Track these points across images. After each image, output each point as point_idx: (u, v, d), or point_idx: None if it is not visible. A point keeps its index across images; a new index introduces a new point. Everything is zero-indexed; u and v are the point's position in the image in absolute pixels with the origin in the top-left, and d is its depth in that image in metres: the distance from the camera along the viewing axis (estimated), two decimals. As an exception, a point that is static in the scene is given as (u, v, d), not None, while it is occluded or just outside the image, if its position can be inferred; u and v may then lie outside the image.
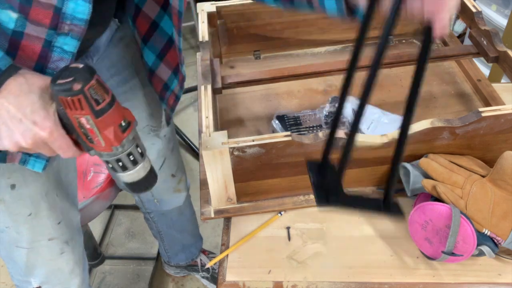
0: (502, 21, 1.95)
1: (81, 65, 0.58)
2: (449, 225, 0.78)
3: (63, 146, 0.61)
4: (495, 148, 0.88)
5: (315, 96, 1.18)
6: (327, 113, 1.08)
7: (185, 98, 2.49)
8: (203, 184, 0.98)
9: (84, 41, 0.65)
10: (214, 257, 1.31)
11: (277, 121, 1.08)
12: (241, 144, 0.83)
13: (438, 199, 0.83)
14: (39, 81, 0.60)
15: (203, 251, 1.59)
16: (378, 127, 1.04)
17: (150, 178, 0.66)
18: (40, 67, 0.65)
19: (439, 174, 0.84)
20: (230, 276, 0.85)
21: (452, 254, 0.78)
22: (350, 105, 1.09)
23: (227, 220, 0.94)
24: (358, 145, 0.85)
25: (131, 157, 0.62)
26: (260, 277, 0.84)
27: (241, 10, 1.21)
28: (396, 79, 1.20)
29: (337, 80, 1.21)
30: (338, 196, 0.64)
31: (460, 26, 2.29)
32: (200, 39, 1.07)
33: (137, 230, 1.86)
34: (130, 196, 1.30)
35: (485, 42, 1.04)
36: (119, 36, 0.89)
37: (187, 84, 2.64)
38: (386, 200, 0.63)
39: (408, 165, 0.87)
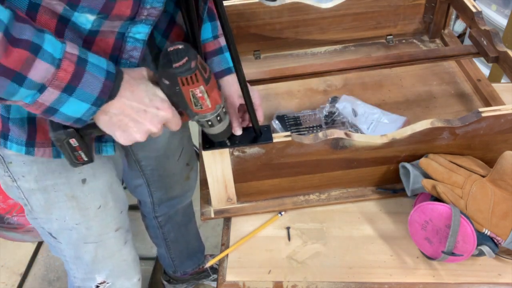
0: (502, 21, 1.95)
1: (180, 46, 0.64)
2: (449, 225, 0.78)
3: (177, 121, 0.68)
4: (495, 148, 0.88)
5: (315, 96, 1.18)
6: (327, 113, 1.08)
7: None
8: (203, 184, 0.98)
9: None
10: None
11: (277, 121, 1.08)
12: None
13: (438, 199, 0.83)
14: (138, 73, 0.66)
15: (207, 256, 1.58)
16: (378, 127, 1.04)
17: (230, 125, 0.78)
18: (115, 59, 0.67)
19: (439, 174, 0.84)
20: (230, 276, 0.85)
21: (452, 254, 0.78)
22: (350, 105, 1.09)
23: (227, 220, 0.94)
24: (358, 145, 0.85)
25: (223, 109, 0.72)
26: (260, 277, 0.84)
27: (241, 10, 1.21)
28: (396, 79, 1.20)
29: (337, 80, 1.22)
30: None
31: (460, 26, 2.29)
32: (200, 39, 1.07)
33: (137, 230, 1.86)
34: (130, 196, 1.30)
35: (485, 42, 1.04)
36: None
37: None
38: (255, 128, 0.81)
39: (408, 165, 0.87)
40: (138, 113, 0.64)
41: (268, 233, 0.91)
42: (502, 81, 1.77)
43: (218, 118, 0.72)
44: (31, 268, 1.77)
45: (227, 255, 0.88)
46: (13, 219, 1.56)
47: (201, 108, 0.68)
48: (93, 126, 0.66)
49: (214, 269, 1.59)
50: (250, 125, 0.82)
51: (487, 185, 0.81)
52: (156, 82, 0.67)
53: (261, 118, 0.84)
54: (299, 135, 0.85)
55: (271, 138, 0.82)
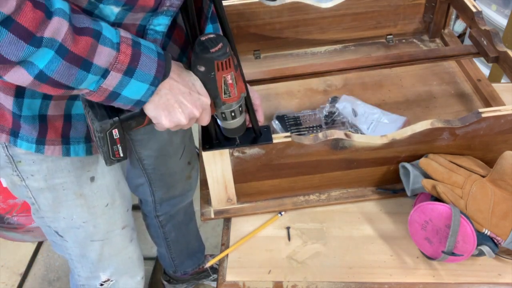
0: (502, 21, 1.95)
1: (212, 35, 0.68)
2: (449, 225, 0.78)
3: (209, 112, 0.70)
4: (495, 149, 0.88)
5: (315, 96, 1.18)
6: (327, 113, 1.08)
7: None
8: (203, 184, 0.98)
9: None
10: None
11: (277, 121, 1.08)
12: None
13: (438, 199, 0.83)
14: (178, 62, 0.68)
15: (208, 256, 1.59)
16: (378, 127, 1.04)
17: (245, 121, 0.79)
18: None
19: (439, 174, 0.84)
20: (230, 276, 0.85)
21: (452, 254, 0.78)
22: (350, 105, 1.09)
23: (227, 220, 0.94)
24: (358, 145, 0.85)
25: (244, 102, 0.75)
26: (260, 277, 0.84)
27: (241, 10, 1.21)
28: (396, 79, 1.20)
29: (337, 80, 1.22)
30: (219, 141, 0.82)
31: (460, 26, 2.29)
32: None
33: (137, 230, 1.86)
34: (132, 196, 1.30)
35: (485, 42, 1.04)
36: None
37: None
38: (255, 129, 0.82)
39: (408, 165, 0.87)
40: (183, 94, 0.66)
41: (268, 233, 0.91)
42: (502, 81, 1.77)
43: (240, 109, 0.74)
44: (31, 268, 1.77)
45: (227, 255, 0.88)
46: (13, 219, 1.57)
47: (229, 96, 0.70)
48: (135, 115, 0.67)
49: (214, 269, 1.59)
50: (250, 125, 0.82)
51: (487, 185, 0.81)
52: None
53: (261, 118, 0.84)
54: (299, 136, 0.85)
55: (271, 139, 0.82)
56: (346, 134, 0.85)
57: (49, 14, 0.53)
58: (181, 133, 1.13)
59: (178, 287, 1.60)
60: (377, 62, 1.07)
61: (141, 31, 0.67)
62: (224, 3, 1.19)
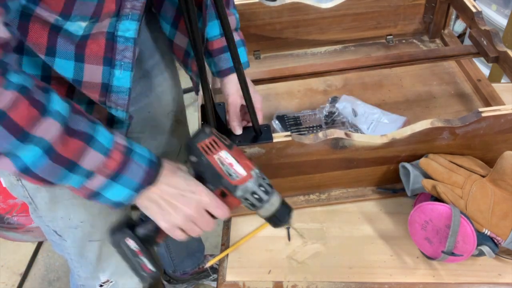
0: (502, 21, 1.95)
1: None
2: (449, 225, 0.78)
3: (218, 205, 0.68)
4: (495, 148, 0.88)
5: (315, 96, 1.18)
6: (327, 113, 1.08)
7: (185, 98, 2.49)
8: (203, 184, 0.98)
9: None
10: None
11: (277, 121, 1.08)
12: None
13: (438, 199, 0.83)
14: (174, 165, 0.68)
15: (207, 256, 1.59)
16: (378, 127, 1.04)
17: (285, 203, 0.70)
18: (109, 61, 0.67)
19: (439, 174, 0.84)
20: (230, 276, 0.85)
21: (452, 254, 0.78)
22: (350, 105, 1.09)
23: (227, 220, 0.94)
24: (358, 145, 0.85)
25: (265, 181, 0.67)
26: (260, 277, 0.84)
27: (241, 10, 1.21)
28: (396, 79, 1.20)
29: (337, 80, 1.22)
30: None
31: (460, 26, 2.29)
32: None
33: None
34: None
35: (485, 42, 1.04)
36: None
37: (187, 85, 2.63)
38: (255, 128, 0.81)
39: (408, 165, 0.87)
40: (175, 197, 0.66)
41: (268, 233, 0.91)
42: (502, 81, 1.77)
43: (262, 188, 0.66)
44: (31, 268, 1.77)
45: (227, 255, 0.88)
46: (13, 219, 1.56)
47: (237, 177, 0.65)
48: (148, 225, 0.67)
49: (214, 269, 1.59)
50: (250, 124, 0.82)
51: (487, 185, 0.81)
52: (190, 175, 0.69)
53: (260, 122, 0.84)
54: (299, 135, 0.85)
55: (271, 138, 0.82)
56: (346, 134, 0.85)
57: (44, 113, 0.54)
58: (178, 132, 1.13)
59: (178, 287, 1.60)
60: (377, 62, 1.07)
61: (111, 39, 0.66)
62: (225, 3, 1.19)
